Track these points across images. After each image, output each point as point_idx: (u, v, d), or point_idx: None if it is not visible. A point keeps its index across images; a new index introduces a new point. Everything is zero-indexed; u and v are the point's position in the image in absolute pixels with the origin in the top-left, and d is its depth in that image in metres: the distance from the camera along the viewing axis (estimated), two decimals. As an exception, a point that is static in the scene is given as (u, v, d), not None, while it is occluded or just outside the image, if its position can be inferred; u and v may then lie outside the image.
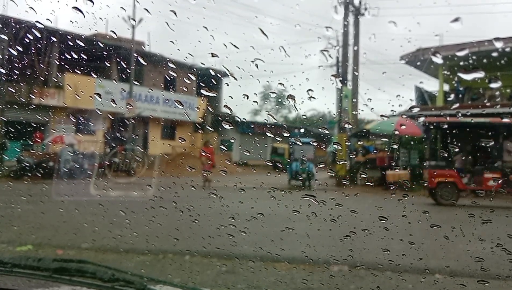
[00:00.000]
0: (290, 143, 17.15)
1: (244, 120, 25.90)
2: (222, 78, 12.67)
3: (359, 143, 18.69)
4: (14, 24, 10.22)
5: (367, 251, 4.32)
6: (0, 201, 6.94)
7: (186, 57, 4.50)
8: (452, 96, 18.23)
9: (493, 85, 1.82)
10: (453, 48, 12.85)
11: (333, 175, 15.42)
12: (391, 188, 11.26)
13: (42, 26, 3.25)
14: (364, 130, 16.73)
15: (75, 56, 3.74)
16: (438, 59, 3.78)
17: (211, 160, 13.51)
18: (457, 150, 11.41)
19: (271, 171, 19.19)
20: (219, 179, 11.13)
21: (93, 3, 2.61)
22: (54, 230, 5.37)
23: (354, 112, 17.88)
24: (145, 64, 20.48)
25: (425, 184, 11.51)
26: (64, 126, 18.56)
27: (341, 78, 16.93)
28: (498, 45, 2.08)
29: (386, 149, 16.70)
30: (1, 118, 16.13)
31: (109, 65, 19.88)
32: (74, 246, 4.51)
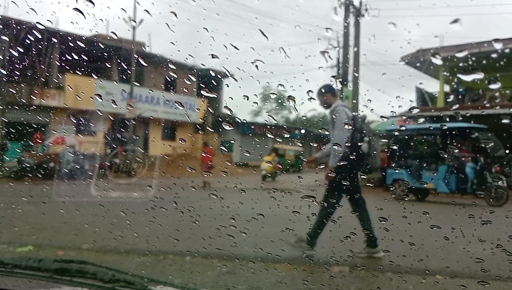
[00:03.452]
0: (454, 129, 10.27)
1: (245, 121, 25.86)
2: (222, 79, 12.71)
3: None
4: (15, 25, 10.23)
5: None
6: (0, 202, 6.95)
7: (187, 58, 4.51)
8: (452, 97, 18.23)
9: (492, 86, 1.83)
10: (453, 49, 12.86)
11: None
12: (391, 189, 11.25)
13: (43, 27, 3.26)
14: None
15: (76, 57, 3.75)
16: (438, 60, 3.80)
17: (210, 161, 13.43)
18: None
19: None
20: (220, 180, 11.12)
21: (94, 5, 2.61)
22: (55, 231, 5.38)
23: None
24: (146, 65, 20.50)
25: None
26: (64, 127, 18.58)
27: (341, 79, 16.94)
28: (498, 46, 2.09)
29: (386, 150, 16.69)
30: (2, 119, 16.14)
31: (109, 66, 19.90)
32: (74, 247, 4.52)
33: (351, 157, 4.26)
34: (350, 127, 4.40)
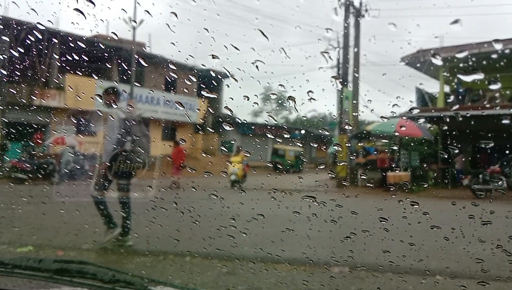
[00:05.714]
0: None
1: (245, 122, 25.87)
2: (222, 79, 12.71)
3: (359, 144, 18.70)
4: (15, 26, 10.23)
5: (368, 252, 4.32)
6: (1, 202, 6.95)
7: (187, 59, 4.52)
8: (453, 97, 18.22)
9: (492, 87, 1.83)
10: (453, 49, 12.86)
11: (334, 176, 15.35)
12: (392, 189, 11.25)
13: (44, 28, 3.26)
14: (365, 132, 16.74)
15: (76, 58, 3.75)
16: (438, 61, 3.80)
17: (182, 161, 12.98)
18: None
19: (271, 172, 19.12)
20: (220, 180, 11.11)
21: (94, 5, 2.61)
22: (55, 231, 5.38)
23: (354, 114, 17.88)
24: (146, 65, 20.52)
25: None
26: (65, 127, 18.58)
27: (341, 80, 16.95)
28: (498, 46, 2.09)
29: (386, 150, 16.71)
30: (2, 119, 16.15)
31: (110, 66, 19.90)
32: (74, 247, 4.52)
33: (115, 155, 4.76)
34: (120, 127, 4.86)
